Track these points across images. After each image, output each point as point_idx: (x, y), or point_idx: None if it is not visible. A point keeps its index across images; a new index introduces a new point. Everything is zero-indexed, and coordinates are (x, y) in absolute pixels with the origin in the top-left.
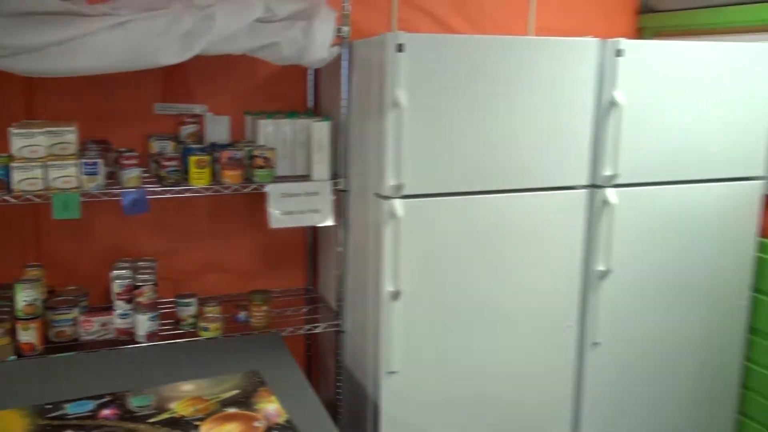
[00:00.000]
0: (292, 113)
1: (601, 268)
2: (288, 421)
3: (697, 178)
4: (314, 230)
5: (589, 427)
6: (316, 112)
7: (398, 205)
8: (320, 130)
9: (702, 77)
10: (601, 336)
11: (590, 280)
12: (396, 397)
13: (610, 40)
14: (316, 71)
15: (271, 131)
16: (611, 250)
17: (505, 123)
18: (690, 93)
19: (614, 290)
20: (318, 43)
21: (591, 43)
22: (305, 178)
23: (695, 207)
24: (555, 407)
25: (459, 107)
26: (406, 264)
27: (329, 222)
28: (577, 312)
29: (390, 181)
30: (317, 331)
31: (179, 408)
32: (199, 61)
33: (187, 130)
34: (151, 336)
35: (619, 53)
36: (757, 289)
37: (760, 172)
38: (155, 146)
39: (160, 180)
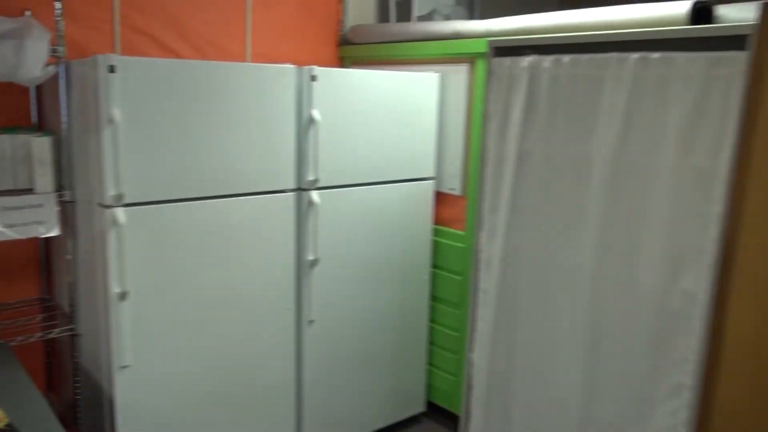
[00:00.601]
0: (13, 128)
1: (311, 258)
2: (8, 425)
3: (384, 179)
4: (46, 240)
5: (310, 391)
6: (41, 127)
7: (120, 213)
8: (41, 145)
9: (383, 97)
10: (315, 314)
11: (303, 268)
12: (130, 390)
13: (306, 67)
14: (39, 87)
15: None
16: (318, 243)
17: (221, 137)
18: (375, 110)
19: (324, 275)
20: (30, 62)
21: (290, 69)
22: (29, 191)
23: (384, 203)
24: (281, 379)
25: (178, 123)
26: (133, 266)
27: (55, 232)
28: (294, 296)
29: (110, 191)
30: (51, 336)
31: None
32: None
33: None
34: None
35: (313, 78)
36: (435, 265)
37: (431, 174)
38: None
39: None
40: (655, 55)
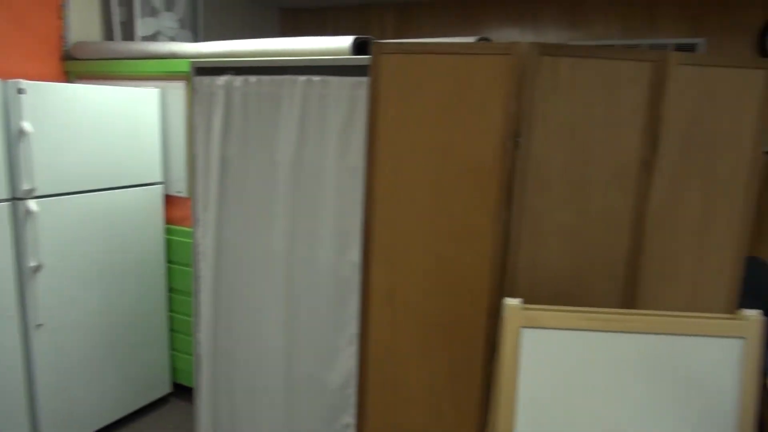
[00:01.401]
0: None
1: (33, 264)
2: None
3: (112, 186)
4: None
5: (45, 394)
6: None
7: None
8: None
9: (107, 110)
10: (43, 318)
11: (25, 274)
12: None
13: (11, 80)
14: None
15: None
16: (39, 249)
17: None
18: (99, 122)
19: (51, 280)
20: None
21: None
22: None
23: (114, 207)
24: (8, 385)
25: None
26: None
27: None
28: (15, 302)
29: None
30: None
31: None
32: None
33: None
34: None
35: (20, 91)
36: (169, 260)
37: (158, 179)
38: None
39: None
40: (317, 78)
